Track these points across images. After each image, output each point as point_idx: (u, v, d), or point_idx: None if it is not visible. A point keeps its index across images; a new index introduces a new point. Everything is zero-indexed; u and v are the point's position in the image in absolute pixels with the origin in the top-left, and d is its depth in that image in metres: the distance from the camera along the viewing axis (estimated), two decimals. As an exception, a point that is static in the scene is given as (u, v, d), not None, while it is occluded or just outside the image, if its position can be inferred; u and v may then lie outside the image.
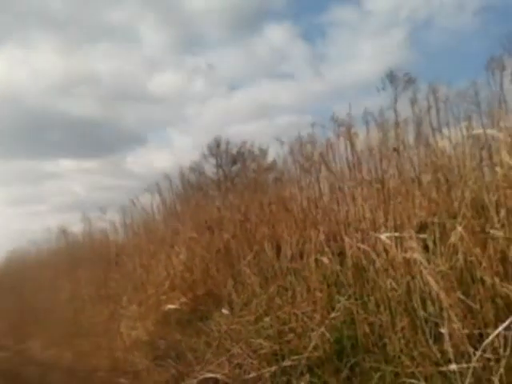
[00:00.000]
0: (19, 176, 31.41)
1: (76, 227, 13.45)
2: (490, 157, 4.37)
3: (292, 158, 7.08)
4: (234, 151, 15.06)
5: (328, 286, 4.40)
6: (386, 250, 3.91)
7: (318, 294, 4.33)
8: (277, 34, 32.59)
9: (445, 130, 5.29)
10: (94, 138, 29.89)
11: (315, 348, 3.78)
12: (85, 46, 34.68)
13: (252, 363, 4.06)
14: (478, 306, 3.06)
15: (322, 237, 4.80)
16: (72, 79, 33.20)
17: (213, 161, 15.49)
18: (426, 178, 4.83)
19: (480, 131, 4.75)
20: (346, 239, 4.37)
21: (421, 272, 3.39)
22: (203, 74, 32.90)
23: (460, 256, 3.42)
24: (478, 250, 3.28)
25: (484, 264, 3.22)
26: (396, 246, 3.80)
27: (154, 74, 36.36)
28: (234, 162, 14.05)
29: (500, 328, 2.75)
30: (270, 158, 8.81)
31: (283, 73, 32.03)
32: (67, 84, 33.78)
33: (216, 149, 15.48)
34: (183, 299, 6.21)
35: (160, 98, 32.72)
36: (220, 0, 31.91)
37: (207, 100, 33.92)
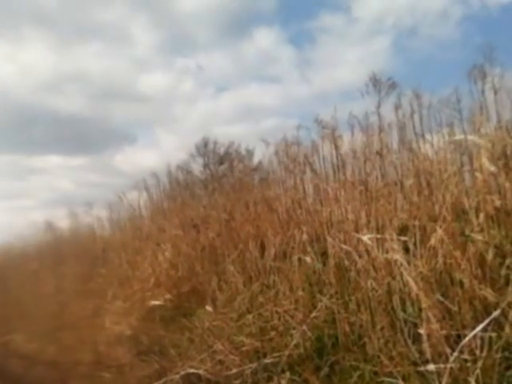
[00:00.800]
0: (6, 170, 30.99)
1: (63, 222, 13.38)
2: (471, 162, 4.40)
3: (277, 159, 7.09)
4: (222, 151, 15.04)
5: (310, 285, 4.40)
6: (367, 251, 3.91)
7: (301, 293, 4.32)
8: (265, 38, 32.49)
9: (427, 136, 5.33)
10: (83, 136, 29.63)
11: (296, 346, 3.77)
12: (76, 44, 34.36)
13: (234, 360, 4.04)
14: (456, 308, 3.06)
15: (305, 237, 4.79)
16: (62, 77, 32.88)
17: (200, 160, 15.46)
18: (408, 182, 4.85)
19: (461, 137, 4.79)
20: (329, 239, 4.36)
21: (401, 273, 3.40)
22: (192, 74, 32.78)
23: (440, 258, 3.43)
24: (457, 253, 3.29)
25: (463, 266, 3.23)
26: (377, 247, 3.80)
27: (143, 73, 36.04)
28: (221, 162, 14.03)
29: (477, 329, 2.76)
30: (256, 159, 8.82)
31: (270, 76, 31.92)
32: (57, 81, 33.45)
33: (203, 149, 15.44)
34: (168, 296, 6.17)
35: (149, 98, 32.52)
36: (210, 2, 31.76)
37: (195, 100, 33.77)
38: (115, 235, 10.66)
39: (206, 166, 15.09)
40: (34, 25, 33.16)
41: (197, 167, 15.08)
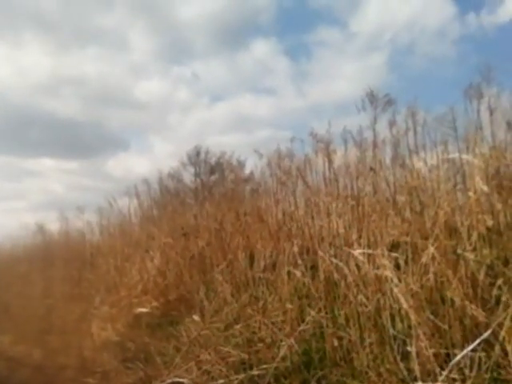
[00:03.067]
0: (0, 172, 30.86)
1: (53, 225, 13.25)
2: (464, 181, 4.37)
3: (269, 171, 7.04)
4: (213, 161, 15.00)
5: (299, 298, 4.34)
6: (358, 266, 3.86)
7: (289, 306, 4.26)
8: (262, 49, 32.66)
9: (421, 153, 5.30)
10: (77, 140, 29.59)
11: (283, 359, 3.70)
12: (74, 48, 34.42)
13: (220, 370, 3.97)
14: (446, 326, 3.02)
15: (295, 249, 4.74)
16: (60, 80, 32.89)
17: (191, 169, 15.40)
18: (401, 199, 4.81)
19: (455, 156, 4.76)
20: (320, 253, 4.31)
21: (391, 289, 3.35)
22: (188, 83, 32.84)
23: (431, 276, 3.38)
24: (448, 271, 3.25)
25: (454, 285, 3.19)
26: (368, 263, 3.75)
27: (140, 79, 36.11)
28: (213, 172, 13.97)
29: (467, 349, 2.72)
30: (248, 170, 8.77)
31: (266, 87, 32.06)
32: (55, 84, 33.43)
33: (195, 157, 15.40)
34: (155, 303, 6.10)
35: (144, 104, 32.53)
36: (209, 11, 31.92)
37: (190, 109, 33.84)
38: (104, 240, 10.54)
39: (197, 175, 15.04)
40: (34, 28, 33.17)
41: (188, 176, 15.04)
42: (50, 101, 33.29)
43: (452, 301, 3.13)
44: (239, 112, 30.59)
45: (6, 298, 10.82)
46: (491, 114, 5.06)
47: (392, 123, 5.82)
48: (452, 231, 3.78)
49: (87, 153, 31.21)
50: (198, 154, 15.46)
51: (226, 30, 30.95)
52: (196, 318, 4.90)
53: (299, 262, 4.61)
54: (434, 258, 3.37)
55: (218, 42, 32.18)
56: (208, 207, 7.78)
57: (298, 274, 4.46)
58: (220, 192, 8.31)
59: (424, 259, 3.45)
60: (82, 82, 32.39)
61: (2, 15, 29.92)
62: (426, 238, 3.66)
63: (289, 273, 4.58)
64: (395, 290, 3.23)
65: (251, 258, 5.46)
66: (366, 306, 3.54)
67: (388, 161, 5.56)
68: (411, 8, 27.46)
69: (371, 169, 5.30)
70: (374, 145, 5.68)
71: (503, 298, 2.92)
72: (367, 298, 3.58)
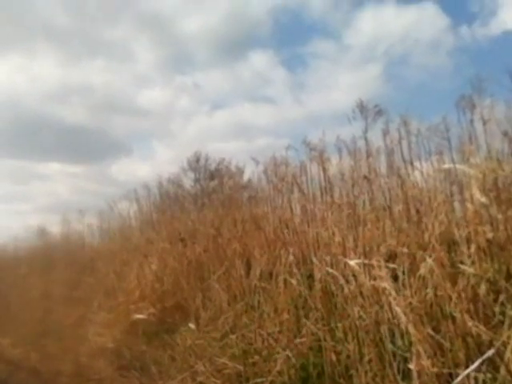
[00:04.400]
0: (10, 175, 30.77)
1: (55, 227, 13.04)
2: (461, 192, 4.19)
3: (266, 178, 6.86)
4: (213, 167, 14.76)
5: (296, 308, 4.12)
6: (354, 277, 3.66)
7: (285, 316, 4.06)
8: (260, 61, 32.61)
9: (416, 163, 5.11)
10: (84, 145, 29.44)
11: (280, 373, 3.49)
12: (83, 59, 34.50)
13: (215, 382, 3.76)
14: (448, 344, 2.80)
15: (291, 258, 4.53)
16: (68, 89, 32.89)
17: (191, 175, 15.18)
18: (397, 208, 4.63)
19: (450, 166, 4.57)
20: (315, 262, 4.11)
21: (389, 302, 3.14)
22: (189, 91, 32.76)
23: (430, 289, 3.18)
24: (447, 285, 3.05)
25: (454, 300, 2.98)
26: (365, 273, 3.55)
27: (143, 89, 36.11)
28: (212, 178, 13.74)
29: (470, 368, 2.52)
30: (246, 177, 8.59)
31: (264, 97, 31.91)
32: (64, 93, 33.45)
33: (195, 163, 15.16)
34: (152, 310, 5.88)
35: (147, 112, 32.50)
36: (210, 25, 31.99)
37: (191, 116, 33.79)
38: (104, 244, 10.34)
39: (196, 180, 14.83)
40: (46, 39, 33.26)
41: (188, 181, 14.84)
42: (59, 108, 33.34)
43: (453, 317, 2.92)
44: (239, 120, 30.49)
45: (7, 299, 10.62)
46: (484, 124, 4.88)
47: (385, 133, 5.65)
48: (450, 243, 3.59)
49: (92, 157, 31.11)
50: (197, 160, 15.23)
51: (226, 42, 31.00)
52: (192, 326, 4.70)
53: (295, 270, 4.40)
54: (432, 270, 3.16)
55: (218, 53, 32.24)
56: (206, 213, 7.59)
57: (294, 283, 4.26)
58: (219, 198, 8.09)
59: (422, 271, 3.24)
60: (90, 90, 32.45)
61: (17, 27, 30.01)
62: (424, 249, 3.47)
63: (285, 282, 4.37)
64: (393, 302, 3.02)
65: (248, 266, 5.26)
66: (364, 320, 3.33)
67: (383, 170, 5.39)
68: (404, 20, 27.32)
69: (365, 177, 5.12)
70: (368, 154, 5.50)
71: (508, 315, 2.71)
72: (365, 311, 3.37)
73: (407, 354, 2.85)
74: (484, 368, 2.50)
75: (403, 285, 3.31)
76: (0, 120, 30.80)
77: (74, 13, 31.35)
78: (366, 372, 3.05)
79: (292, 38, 30.37)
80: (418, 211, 4.23)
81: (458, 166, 4.37)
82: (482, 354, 2.59)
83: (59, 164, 33.57)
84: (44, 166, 33.00)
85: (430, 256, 3.22)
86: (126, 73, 35.01)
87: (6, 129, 30.06)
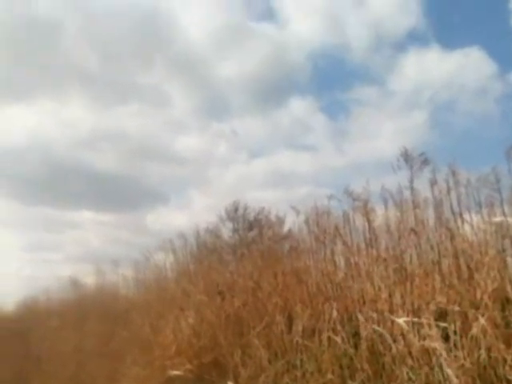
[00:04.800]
0: (39, 223, 31.55)
1: (88, 278, 13.25)
2: (514, 247, 4.18)
3: (307, 229, 6.90)
4: (252, 217, 14.94)
5: (340, 367, 4.12)
6: (403, 336, 3.67)
7: (330, 376, 4.06)
8: (299, 106, 33.14)
9: (466, 215, 5.11)
10: (117, 193, 30.09)
11: None
12: (115, 104, 35.63)
13: None
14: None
15: (335, 314, 4.55)
16: (100, 134, 33.87)
17: (229, 225, 15.36)
18: (446, 263, 4.62)
19: (502, 219, 4.58)
20: (361, 319, 4.13)
21: (440, 364, 3.14)
22: (226, 139, 33.41)
23: (483, 351, 3.16)
24: (501, 346, 3.04)
25: (509, 362, 2.97)
26: (414, 332, 3.56)
27: (179, 135, 36.93)
28: (251, 228, 13.87)
29: None
30: (286, 227, 8.65)
31: (303, 144, 32.33)
32: (95, 139, 34.45)
33: (233, 213, 15.38)
34: (188, 366, 5.91)
35: (184, 159, 33.16)
36: (247, 70, 32.85)
37: (229, 164, 34.38)
38: (139, 296, 10.46)
39: (235, 230, 14.99)
40: (77, 84, 34.43)
41: (226, 231, 15.01)
42: (91, 154, 34.30)
43: (508, 380, 2.91)
44: (277, 168, 30.81)
45: (38, 353, 10.80)
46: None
47: (433, 183, 5.67)
48: (504, 301, 3.58)
49: (126, 206, 31.68)
50: (236, 209, 15.45)
51: (263, 87, 31.67)
52: (230, 384, 4.72)
53: (339, 327, 4.41)
54: (485, 330, 3.16)
55: (255, 98, 32.91)
56: (245, 264, 7.65)
57: (339, 340, 4.26)
58: (258, 249, 8.16)
59: (474, 331, 3.24)
60: (122, 136, 33.37)
61: (48, 71, 31.33)
62: (476, 308, 3.47)
63: (329, 339, 4.38)
64: (444, 364, 3.03)
65: (289, 321, 5.27)
66: (414, 382, 3.32)
67: (431, 222, 5.39)
68: (449, 65, 27.55)
69: (412, 230, 5.13)
70: (415, 205, 5.53)
71: None
72: (414, 373, 3.37)
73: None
74: None
75: (455, 345, 3.30)
76: (30, 166, 31.78)
77: (106, 57, 32.55)
78: None
79: (332, 83, 30.86)
80: (468, 267, 4.22)
81: (509, 218, 4.37)
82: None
83: (91, 212, 34.23)
84: (75, 214, 33.72)
85: (483, 315, 3.23)
86: (161, 118, 35.95)
87: (36, 175, 30.98)
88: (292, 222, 7.41)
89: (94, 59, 32.46)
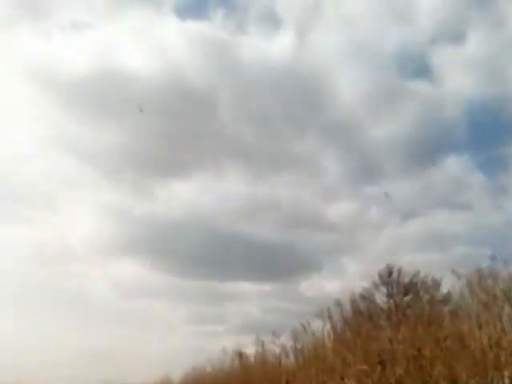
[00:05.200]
0: (200, 295, 33.12)
1: (249, 349, 13.51)
2: None
3: (469, 291, 6.60)
4: (406, 281, 14.46)
5: None
6: None
7: None
8: (453, 165, 32.37)
9: None
10: (272, 262, 30.79)
11: None
12: (268, 175, 37.41)
13: None
14: None
15: (507, 382, 4.25)
16: (255, 205, 35.53)
17: (384, 289, 14.97)
18: None
19: None
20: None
21: None
22: (377, 202, 33.18)
23: None
24: None
25: None
26: None
27: (330, 201, 37.43)
28: (406, 293, 13.43)
29: None
30: (443, 290, 8.33)
31: (458, 203, 31.11)
32: (251, 209, 36.17)
33: (387, 277, 15.01)
34: None
35: (335, 226, 33.35)
36: (399, 131, 33.04)
37: (381, 228, 33.92)
38: (299, 366, 10.43)
39: (389, 295, 14.58)
40: (234, 159, 36.62)
41: (380, 296, 14.68)
42: (248, 225, 35.78)
43: None
44: (431, 229, 29.78)
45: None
46: None
47: None
48: None
49: (281, 275, 32.21)
50: (390, 273, 15.07)
51: (416, 147, 31.42)
52: None
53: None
54: None
55: (407, 160, 32.65)
56: (403, 330, 7.41)
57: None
58: (415, 314, 7.89)
59: None
60: (276, 206, 34.53)
61: (205, 148, 33.55)
62: None
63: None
64: None
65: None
66: None
67: None
68: None
69: None
70: None
71: None
72: None
73: None
74: None
75: None
76: (190, 241, 33.57)
77: (259, 126, 34.22)
78: None
79: (490, 137, 29.59)
80: None
81: None
82: None
83: (248, 283, 35.17)
84: (233, 286, 34.90)
85: None
86: (313, 185, 36.67)
87: (194, 247, 32.66)
88: (450, 285, 7.15)
89: (249, 130, 34.42)
